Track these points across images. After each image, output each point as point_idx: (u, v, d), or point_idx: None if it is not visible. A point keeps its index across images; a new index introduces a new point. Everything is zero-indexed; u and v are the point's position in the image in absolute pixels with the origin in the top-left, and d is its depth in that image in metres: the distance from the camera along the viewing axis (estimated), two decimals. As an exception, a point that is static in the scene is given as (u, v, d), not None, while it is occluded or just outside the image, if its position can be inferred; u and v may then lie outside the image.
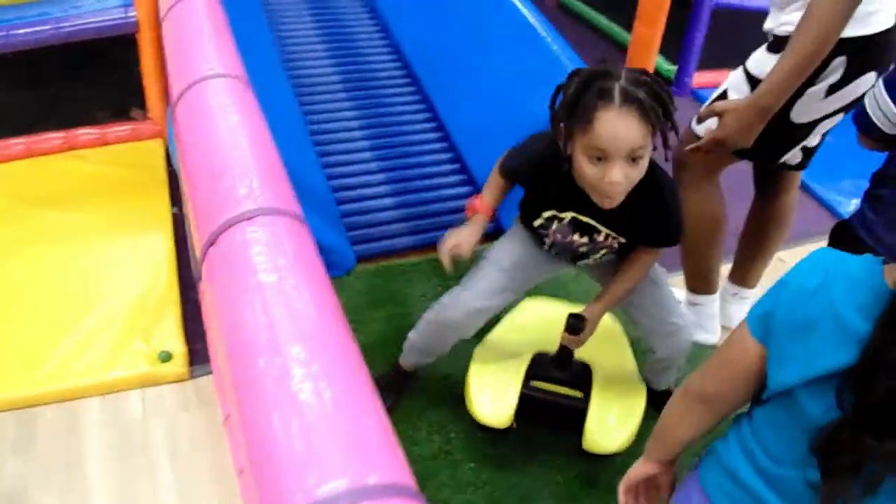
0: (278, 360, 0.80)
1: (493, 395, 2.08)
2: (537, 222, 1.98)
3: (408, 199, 3.08)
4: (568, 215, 1.91)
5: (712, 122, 2.09)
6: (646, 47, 3.83)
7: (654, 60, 3.98)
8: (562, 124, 1.68)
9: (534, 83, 2.75)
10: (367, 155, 3.26)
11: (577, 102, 1.62)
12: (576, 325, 1.97)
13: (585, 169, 1.68)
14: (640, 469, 1.41)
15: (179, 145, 1.36)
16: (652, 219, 1.86)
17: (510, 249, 2.11)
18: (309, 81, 3.62)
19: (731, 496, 1.24)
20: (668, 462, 1.39)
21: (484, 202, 2.02)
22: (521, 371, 2.11)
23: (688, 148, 2.17)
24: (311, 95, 3.53)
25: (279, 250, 0.95)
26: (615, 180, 1.64)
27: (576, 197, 1.81)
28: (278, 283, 0.91)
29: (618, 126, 1.59)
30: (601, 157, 1.64)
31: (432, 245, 2.96)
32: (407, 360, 2.26)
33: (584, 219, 1.89)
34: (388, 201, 3.06)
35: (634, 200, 1.74)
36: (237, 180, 1.08)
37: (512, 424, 2.06)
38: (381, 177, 3.16)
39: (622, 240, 1.92)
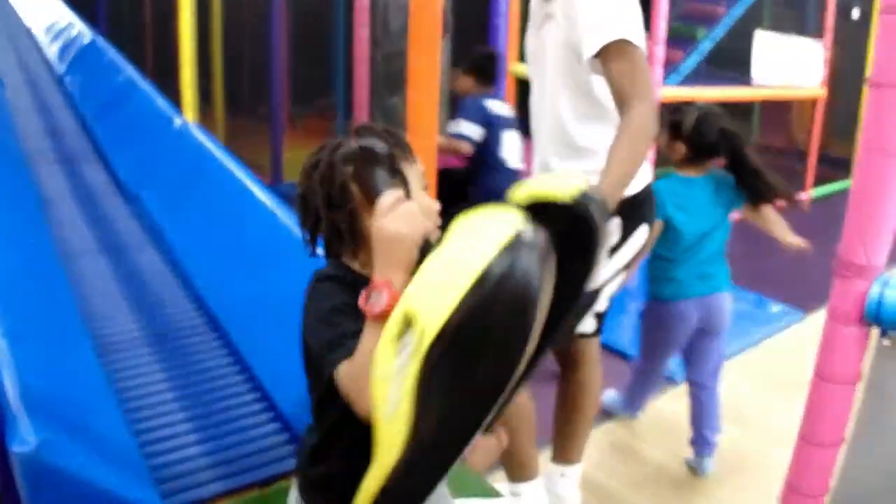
0: None
1: None
2: None
3: (217, 444, 3.04)
4: None
5: None
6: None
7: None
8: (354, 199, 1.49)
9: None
10: (174, 406, 3.22)
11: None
12: None
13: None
14: None
15: None
16: None
17: None
18: (113, 339, 3.59)
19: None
20: None
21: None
22: None
23: None
24: (116, 353, 3.50)
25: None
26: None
27: None
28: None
29: None
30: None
31: (242, 487, 2.92)
32: None
33: None
34: (195, 449, 3.00)
35: None
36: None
37: None
38: (188, 426, 3.12)
39: None
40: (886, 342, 1.88)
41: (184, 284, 4.04)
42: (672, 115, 3.26)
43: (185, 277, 4.06)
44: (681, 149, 3.26)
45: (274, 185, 7.38)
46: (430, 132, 2.77)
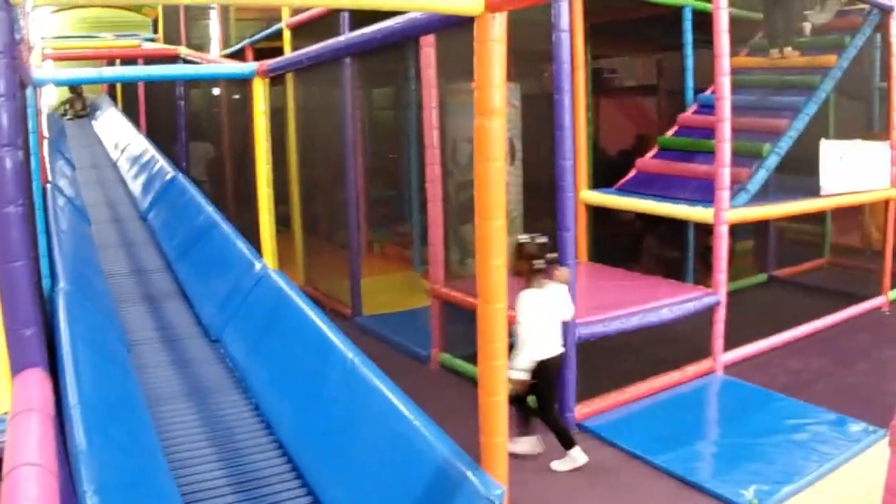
0: None
1: None
2: None
3: None
4: None
5: None
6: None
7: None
8: None
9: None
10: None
11: None
12: None
13: None
14: None
15: None
16: None
17: None
18: (199, 486, 3.69)
19: None
20: None
21: None
22: None
23: None
24: (202, 501, 3.59)
25: None
26: None
27: None
28: None
29: None
30: None
31: None
32: None
33: None
34: None
35: None
36: None
37: None
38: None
39: None
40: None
41: (266, 430, 4.13)
42: None
43: (267, 423, 4.16)
44: None
45: (353, 316, 7.58)
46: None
